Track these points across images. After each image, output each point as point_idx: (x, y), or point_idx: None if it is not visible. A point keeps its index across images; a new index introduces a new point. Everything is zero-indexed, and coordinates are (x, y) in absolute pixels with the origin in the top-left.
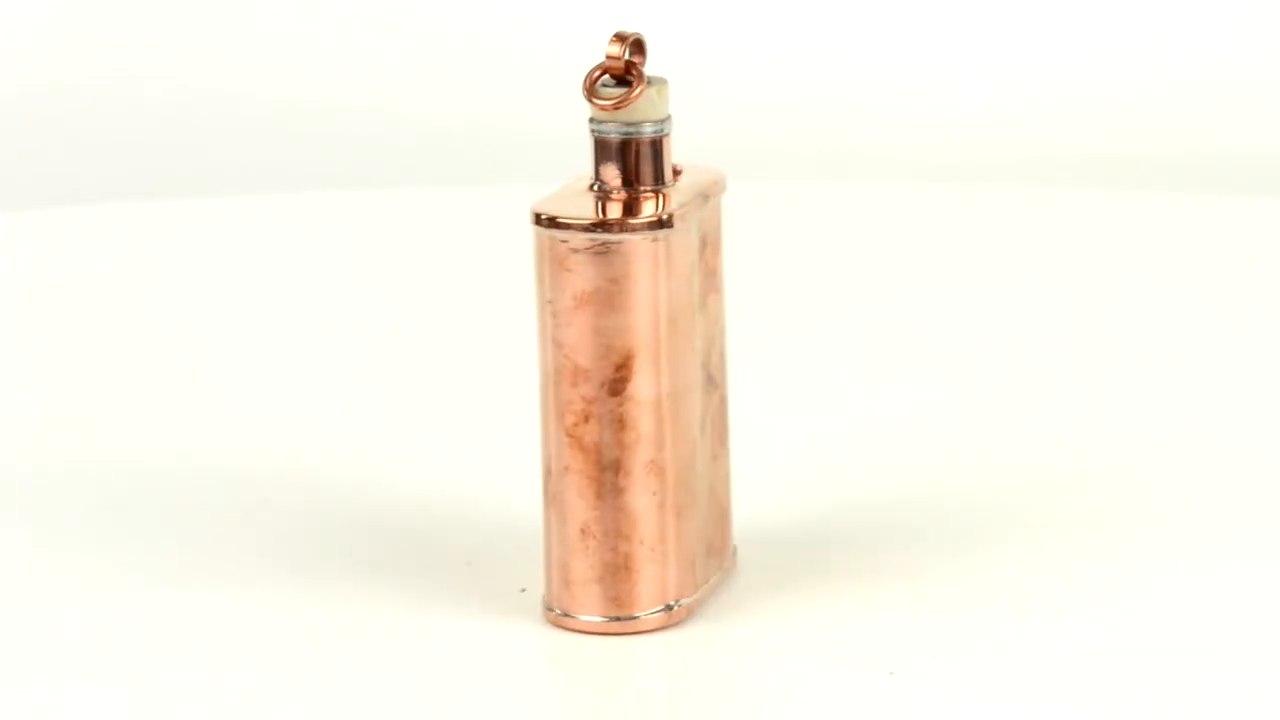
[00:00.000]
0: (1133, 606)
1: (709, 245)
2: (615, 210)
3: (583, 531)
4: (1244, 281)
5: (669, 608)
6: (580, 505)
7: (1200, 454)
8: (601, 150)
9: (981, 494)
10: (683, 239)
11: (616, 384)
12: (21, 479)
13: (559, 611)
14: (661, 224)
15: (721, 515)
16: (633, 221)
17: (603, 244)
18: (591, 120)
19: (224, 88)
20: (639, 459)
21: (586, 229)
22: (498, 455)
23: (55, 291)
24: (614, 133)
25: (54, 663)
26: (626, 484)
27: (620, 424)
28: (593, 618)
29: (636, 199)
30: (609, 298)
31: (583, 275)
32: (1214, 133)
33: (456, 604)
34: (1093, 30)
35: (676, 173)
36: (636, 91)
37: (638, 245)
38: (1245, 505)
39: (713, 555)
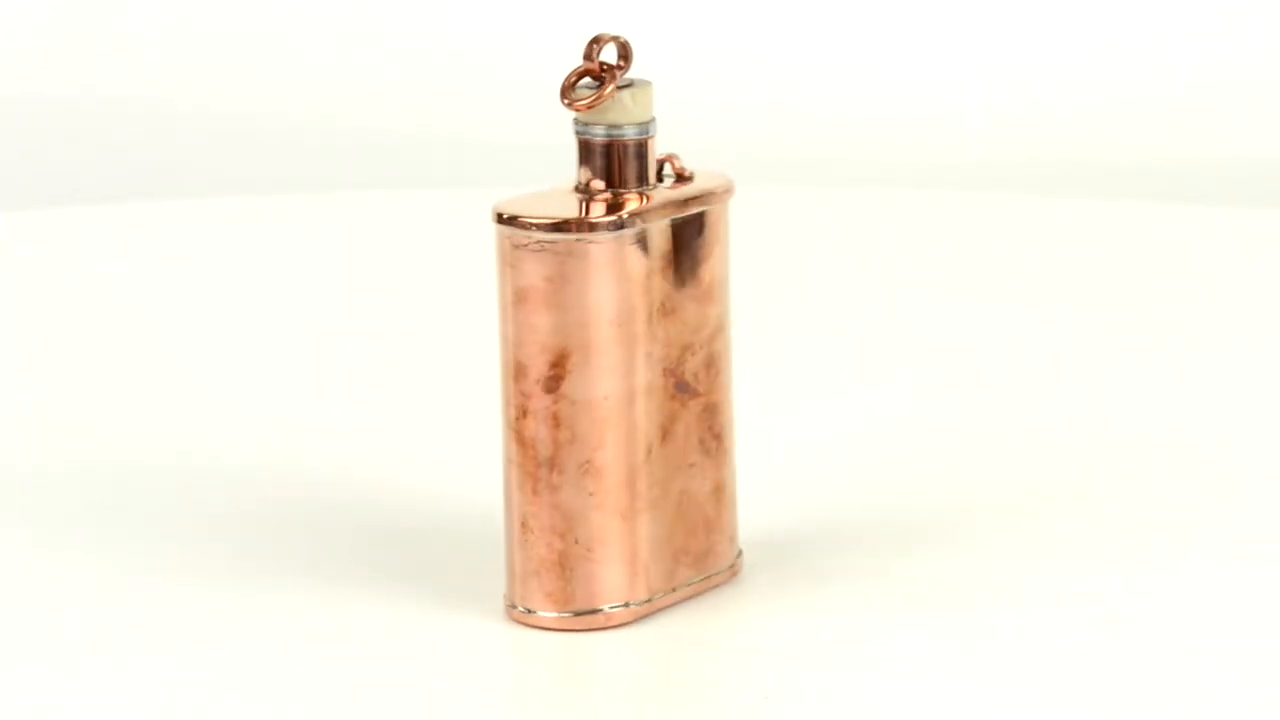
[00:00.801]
0: (1131, 607)
1: (687, 251)
2: (564, 211)
3: (523, 525)
4: (1237, 289)
5: (607, 609)
6: (520, 499)
7: (1198, 456)
8: (583, 152)
9: (978, 497)
10: (631, 244)
11: (551, 381)
12: (22, 479)
13: (516, 607)
14: (594, 228)
15: (705, 523)
16: (568, 222)
17: (539, 243)
18: (575, 122)
19: (223, 92)
20: (574, 458)
21: (525, 226)
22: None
23: (55, 291)
24: (595, 134)
25: (53, 662)
26: (561, 482)
27: (555, 421)
28: (531, 611)
29: (598, 201)
30: (545, 296)
31: (522, 272)
32: (1215, 141)
33: (442, 599)
34: (1093, 39)
35: (685, 178)
36: (608, 90)
37: (572, 246)
38: (1243, 507)
39: (685, 562)
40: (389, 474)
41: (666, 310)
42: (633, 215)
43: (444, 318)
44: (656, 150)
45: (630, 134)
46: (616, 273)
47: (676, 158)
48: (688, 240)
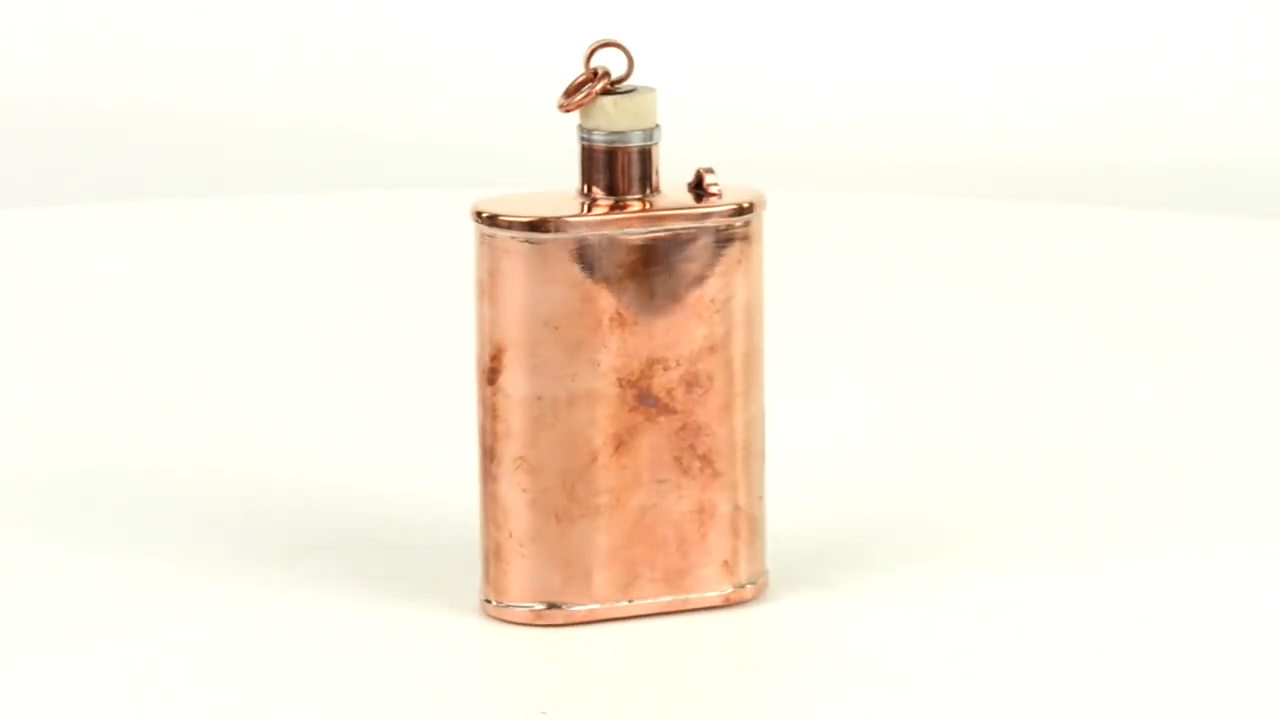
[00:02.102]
0: (1136, 615)
1: (662, 265)
2: (522, 211)
3: (480, 511)
4: (1235, 296)
5: (540, 607)
6: (478, 486)
7: (1199, 460)
8: (582, 155)
9: (977, 504)
10: (569, 249)
11: (491, 373)
12: (20, 478)
13: (489, 601)
14: (526, 227)
15: (680, 543)
16: (508, 221)
17: (485, 237)
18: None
19: (223, 93)
20: (508, 452)
21: (476, 219)
22: None
23: (55, 291)
24: (585, 139)
25: (44, 661)
26: (498, 473)
27: (494, 413)
28: (498, 602)
29: (568, 204)
30: (487, 289)
31: (479, 265)
32: (1215, 146)
33: (442, 592)
34: (1098, 46)
35: (711, 194)
36: (590, 93)
37: (507, 244)
38: (1241, 513)
39: (650, 577)
40: (387, 472)
41: (625, 321)
42: (572, 222)
43: (442, 317)
44: (656, 159)
45: (613, 141)
46: (551, 275)
47: (711, 172)
48: (664, 254)
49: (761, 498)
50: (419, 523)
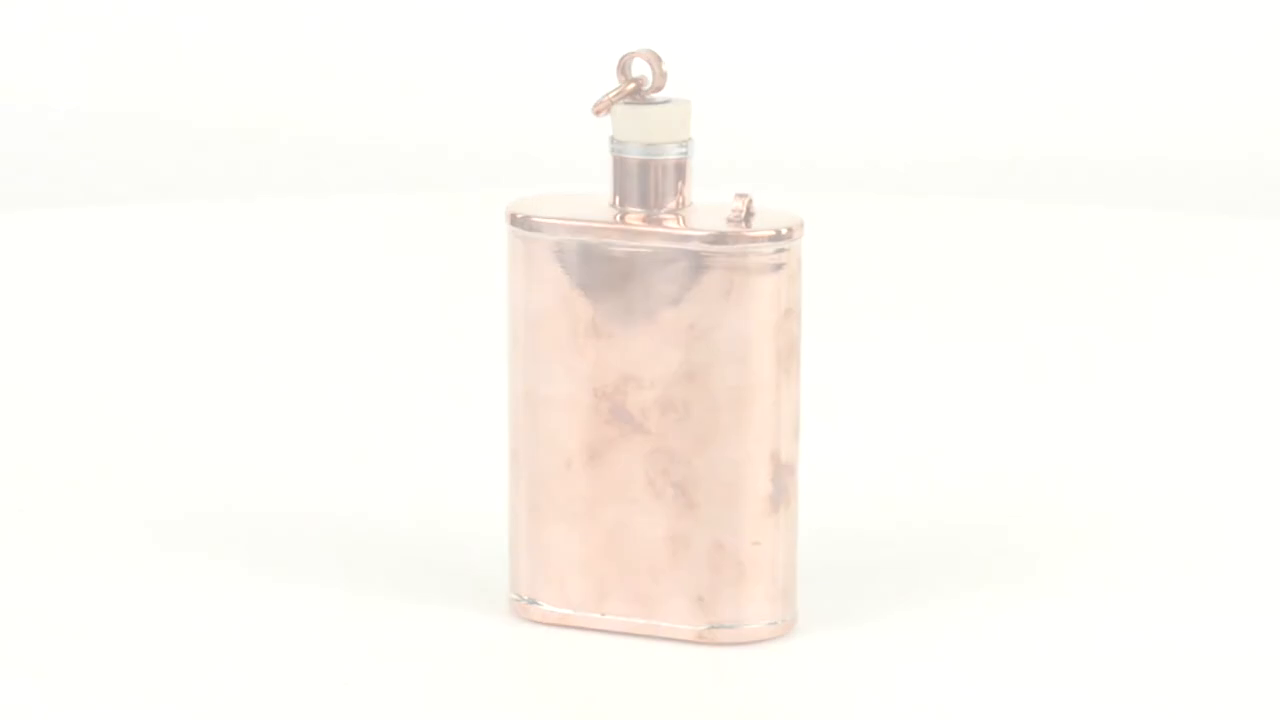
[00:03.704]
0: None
1: (640, 282)
2: (541, 210)
3: None
4: (1240, 298)
5: (523, 600)
6: None
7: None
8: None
9: (966, 509)
10: (546, 250)
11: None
12: (18, 478)
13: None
14: (514, 222)
15: (650, 568)
16: (512, 214)
17: (509, 231)
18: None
19: (224, 96)
20: (509, 442)
21: (508, 216)
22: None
23: (55, 292)
24: (614, 149)
25: (53, 661)
26: (509, 463)
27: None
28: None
29: (612, 213)
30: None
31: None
32: (1217, 147)
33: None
34: (1099, 46)
35: (733, 220)
36: (608, 100)
37: (509, 238)
38: (1242, 513)
39: (619, 595)
40: (386, 473)
41: (599, 332)
42: (549, 224)
43: (442, 316)
44: (688, 173)
45: (623, 150)
46: (537, 274)
47: (749, 199)
48: (642, 272)
49: (758, 544)
50: (455, 518)
